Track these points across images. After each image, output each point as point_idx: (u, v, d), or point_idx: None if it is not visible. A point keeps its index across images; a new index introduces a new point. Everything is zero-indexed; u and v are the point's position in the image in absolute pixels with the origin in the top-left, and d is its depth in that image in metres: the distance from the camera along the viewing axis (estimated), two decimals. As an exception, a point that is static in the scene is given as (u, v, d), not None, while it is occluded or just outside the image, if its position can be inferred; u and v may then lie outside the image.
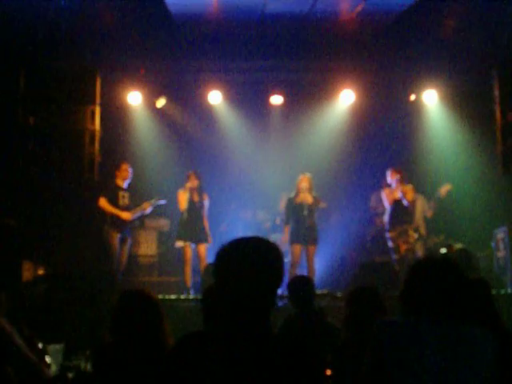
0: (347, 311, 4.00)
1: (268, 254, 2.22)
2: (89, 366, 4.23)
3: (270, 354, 2.11)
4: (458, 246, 9.39)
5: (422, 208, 9.85)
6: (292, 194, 9.39)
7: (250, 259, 2.19)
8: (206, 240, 9.26)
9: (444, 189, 9.82)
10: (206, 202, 9.41)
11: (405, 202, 9.36)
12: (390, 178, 9.64)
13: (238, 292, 2.17)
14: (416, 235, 9.46)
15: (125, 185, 9.45)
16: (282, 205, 10.95)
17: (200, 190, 9.31)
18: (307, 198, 9.26)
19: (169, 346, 3.32)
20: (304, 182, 9.29)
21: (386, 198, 9.59)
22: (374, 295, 4.02)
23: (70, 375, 4.22)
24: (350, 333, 3.93)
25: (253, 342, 2.14)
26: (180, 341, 2.23)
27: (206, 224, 9.38)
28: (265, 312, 2.19)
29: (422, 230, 9.78)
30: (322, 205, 9.76)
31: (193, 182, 9.24)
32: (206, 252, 9.20)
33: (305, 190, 9.25)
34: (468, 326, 2.61)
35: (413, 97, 10.85)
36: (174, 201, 9.48)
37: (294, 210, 9.31)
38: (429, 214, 9.88)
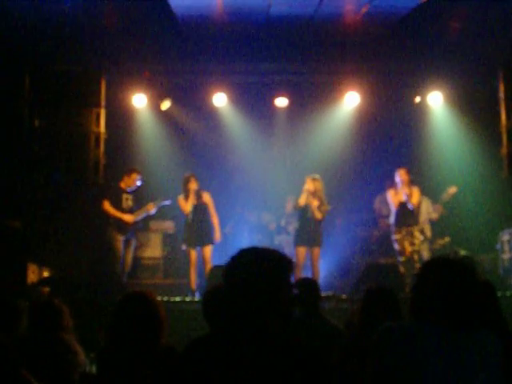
0: (361, 311, 3.94)
1: (278, 265, 2.26)
2: (93, 369, 4.23)
3: (278, 357, 2.12)
4: (463, 252, 9.36)
5: (427, 210, 9.84)
6: (299, 196, 9.34)
7: (260, 270, 2.22)
8: (211, 241, 9.23)
9: (449, 191, 9.81)
10: (210, 200, 9.39)
11: (410, 206, 9.29)
12: (399, 177, 9.47)
13: (247, 300, 2.20)
14: (421, 237, 9.44)
15: (129, 189, 9.43)
16: (288, 207, 10.96)
17: (199, 192, 9.30)
18: (312, 200, 9.24)
19: (167, 348, 3.30)
20: (309, 184, 9.25)
21: (392, 200, 9.50)
22: (392, 298, 3.97)
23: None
24: (358, 334, 3.90)
25: (261, 346, 2.15)
26: (190, 345, 2.24)
27: (216, 222, 9.30)
28: (275, 318, 2.21)
29: (428, 232, 9.77)
30: (327, 207, 9.73)
31: (195, 184, 9.23)
32: (212, 254, 9.17)
33: (310, 192, 9.22)
34: (473, 329, 2.54)
35: (418, 99, 10.82)
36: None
37: (299, 212, 9.30)
38: (434, 216, 9.87)
